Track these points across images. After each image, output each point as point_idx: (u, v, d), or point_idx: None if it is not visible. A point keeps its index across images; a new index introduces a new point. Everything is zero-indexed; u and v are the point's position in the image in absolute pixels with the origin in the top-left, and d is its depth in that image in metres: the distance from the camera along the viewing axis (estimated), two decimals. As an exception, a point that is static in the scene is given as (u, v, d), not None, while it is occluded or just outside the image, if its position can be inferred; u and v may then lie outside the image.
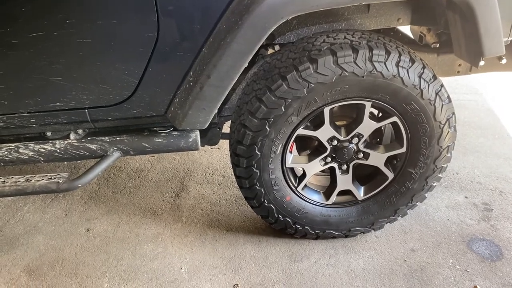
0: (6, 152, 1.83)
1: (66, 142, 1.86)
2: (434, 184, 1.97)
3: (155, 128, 1.97)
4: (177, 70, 1.73)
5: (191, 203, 2.49)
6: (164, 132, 1.89)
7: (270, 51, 2.11)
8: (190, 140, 1.88)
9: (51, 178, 1.81)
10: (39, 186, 1.78)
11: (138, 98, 1.78)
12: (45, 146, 1.84)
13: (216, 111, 1.76)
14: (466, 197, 2.44)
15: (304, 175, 2.00)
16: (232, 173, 1.98)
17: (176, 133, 1.89)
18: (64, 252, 2.16)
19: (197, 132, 1.89)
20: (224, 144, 3.03)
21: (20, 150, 1.83)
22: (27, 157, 1.83)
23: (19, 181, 1.80)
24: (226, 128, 2.32)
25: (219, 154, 2.97)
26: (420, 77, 1.71)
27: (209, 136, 2.12)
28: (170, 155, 2.96)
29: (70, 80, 1.72)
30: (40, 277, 2.01)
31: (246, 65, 1.65)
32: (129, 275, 2.01)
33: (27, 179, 1.81)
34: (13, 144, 1.85)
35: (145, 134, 1.90)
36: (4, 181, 1.79)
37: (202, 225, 2.31)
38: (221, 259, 2.08)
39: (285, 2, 1.56)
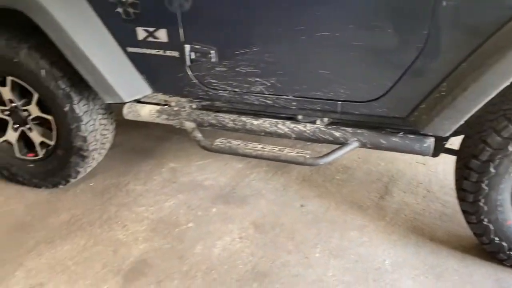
0: (268, 125, 2.26)
1: (315, 126, 2.20)
2: None
3: (388, 129, 2.17)
4: (432, 79, 1.89)
5: (395, 207, 2.63)
6: (401, 133, 2.08)
7: None
8: (425, 145, 2.02)
9: (298, 152, 2.18)
10: (290, 156, 2.16)
11: (387, 99, 2.01)
12: (298, 126, 2.21)
13: (462, 122, 1.86)
14: None
15: (533, 203, 1.97)
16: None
17: (411, 136, 2.06)
18: (282, 219, 2.54)
19: (433, 139, 2.03)
20: (430, 161, 3.08)
21: (279, 126, 2.24)
22: (283, 132, 2.23)
23: (274, 149, 2.21)
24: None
25: (424, 170, 3.04)
26: None
27: (435, 147, 2.24)
28: (376, 160, 3.15)
29: (335, 74, 2.04)
30: (264, 232, 2.42)
31: (507, 85, 1.72)
32: (337, 252, 2.26)
33: (280, 149, 2.21)
34: (274, 120, 2.27)
35: (383, 132, 2.12)
36: (263, 147, 2.22)
37: (405, 229, 2.44)
38: (423, 263, 2.19)
39: None
